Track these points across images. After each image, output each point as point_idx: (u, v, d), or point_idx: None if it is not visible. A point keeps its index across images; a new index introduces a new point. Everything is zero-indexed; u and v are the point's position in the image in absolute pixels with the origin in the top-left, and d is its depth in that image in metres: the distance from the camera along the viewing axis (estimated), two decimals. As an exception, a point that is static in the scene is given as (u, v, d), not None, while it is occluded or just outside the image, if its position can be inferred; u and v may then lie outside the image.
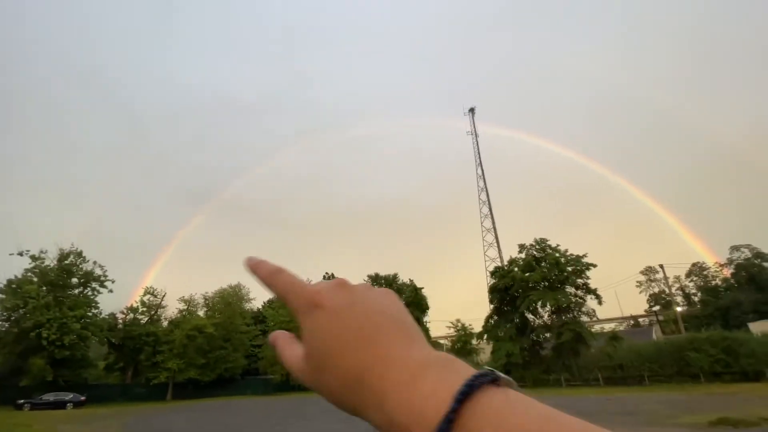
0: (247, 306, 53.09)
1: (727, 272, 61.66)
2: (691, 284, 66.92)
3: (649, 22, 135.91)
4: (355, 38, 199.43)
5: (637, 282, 71.39)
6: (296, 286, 0.43)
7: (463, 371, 0.31)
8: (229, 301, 48.53)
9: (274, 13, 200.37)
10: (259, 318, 54.04)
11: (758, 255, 58.02)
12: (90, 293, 41.00)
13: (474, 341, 45.36)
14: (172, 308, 48.97)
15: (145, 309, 46.48)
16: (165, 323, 47.08)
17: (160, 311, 47.99)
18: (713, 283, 63.73)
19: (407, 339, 0.37)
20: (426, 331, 46.17)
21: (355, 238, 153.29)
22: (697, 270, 65.79)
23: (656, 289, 69.34)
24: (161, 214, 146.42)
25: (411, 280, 49.02)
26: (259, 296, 67.52)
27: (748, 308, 51.70)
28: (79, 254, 40.92)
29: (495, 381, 0.30)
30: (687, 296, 67.46)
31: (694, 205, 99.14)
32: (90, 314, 39.61)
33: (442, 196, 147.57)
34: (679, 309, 57.19)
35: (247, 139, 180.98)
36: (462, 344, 46.14)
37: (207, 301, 49.29)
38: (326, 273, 57.05)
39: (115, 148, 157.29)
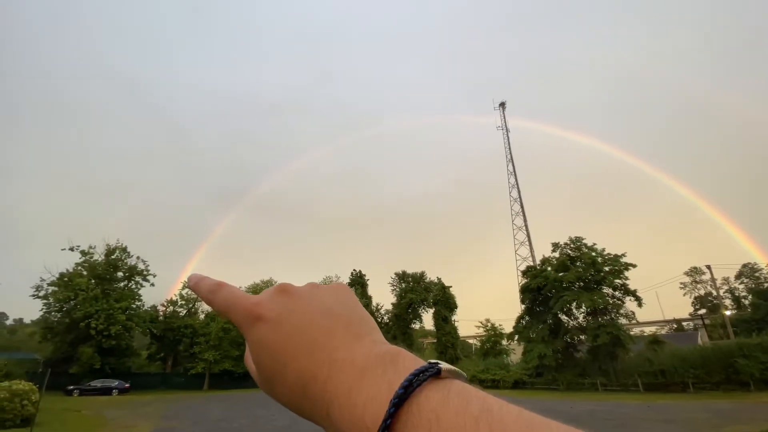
0: (278, 301, 54.56)
1: (782, 274, 57.08)
2: (741, 286, 62.48)
3: (675, 12, 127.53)
4: (381, 39, 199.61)
5: (681, 283, 67.42)
6: (235, 300, 0.42)
7: (404, 368, 0.31)
8: (260, 296, 50.04)
9: (300, 16, 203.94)
10: (289, 313, 55.40)
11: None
12: (134, 286, 43.42)
13: (504, 342, 44.42)
14: (208, 302, 51.09)
15: (183, 302, 48.71)
16: (202, 316, 49.15)
17: (197, 304, 50.16)
18: (766, 285, 59.15)
19: (352, 338, 0.36)
20: (454, 330, 45.68)
21: (383, 234, 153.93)
22: (748, 271, 61.31)
23: (702, 291, 65.36)
24: (199, 211, 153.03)
25: (439, 279, 48.61)
26: (289, 292, 69.29)
27: (807, 313, 47.66)
28: (124, 250, 43.38)
29: (437, 374, 0.30)
30: (736, 299, 63.01)
31: (744, 201, 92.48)
32: (134, 306, 41.94)
33: (471, 193, 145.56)
34: (727, 312, 53.51)
35: (277, 139, 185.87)
36: (492, 344, 45.30)
37: (240, 296, 51.02)
38: (354, 269, 57.63)
39: (155, 150, 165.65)
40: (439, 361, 0.31)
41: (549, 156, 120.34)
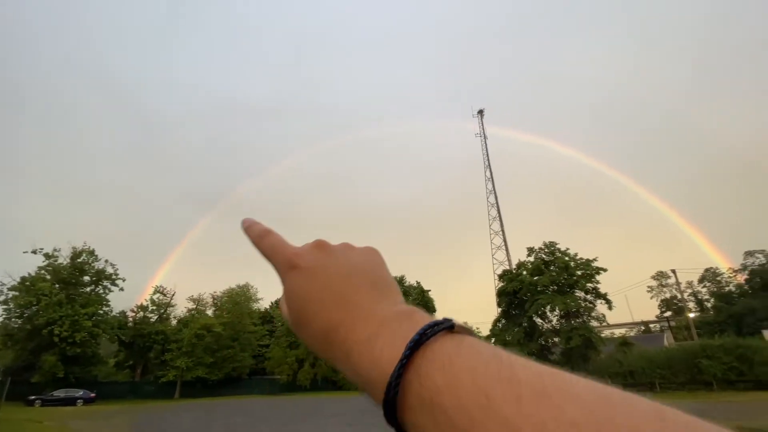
0: (255, 306, 53.45)
1: (741, 278, 60.31)
2: (704, 290, 65.60)
3: (657, 27, 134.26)
4: (363, 44, 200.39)
5: (649, 287, 70.25)
6: (278, 248, 0.46)
7: (421, 320, 0.34)
8: (237, 300, 48.90)
9: (284, 20, 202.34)
10: (266, 318, 54.38)
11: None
12: (101, 291, 41.65)
13: (481, 345, 45.11)
14: (181, 307, 49.59)
15: (154, 308, 47.05)
16: (174, 322, 47.60)
17: (169, 310, 48.58)
18: (727, 289, 62.36)
19: (377, 296, 0.39)
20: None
21: (363, 239, 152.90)
22: (710, 275, 64.50)
23: (668, 295, 68.22)
24: (173, 214, 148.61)
25: (418, 283, 48.91)
26: (267, 296, 67.65)
27: (763, 315, 50.48)
28: (91, 253, 41.59)
29: (450, 329, 0.32)
30: (699, 302, 66.14)
31: (707, 209, 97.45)
32: (101, 312, 40.20)
33: (450, 198, 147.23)
34: (691, 315, 56.08)
35: (258, 142, 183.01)
36: (469, 347, 45.91)
37: (215, 301, 49.75)
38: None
39: (128, 150, 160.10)
40: (452, 318, 0.33)
41: (525, 163, 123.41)
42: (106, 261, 42.42)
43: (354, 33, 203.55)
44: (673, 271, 54.34)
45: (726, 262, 63.29)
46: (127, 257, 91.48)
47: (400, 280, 50.91)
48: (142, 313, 46.13)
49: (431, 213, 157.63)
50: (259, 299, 54.61)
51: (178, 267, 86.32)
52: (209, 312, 48.57)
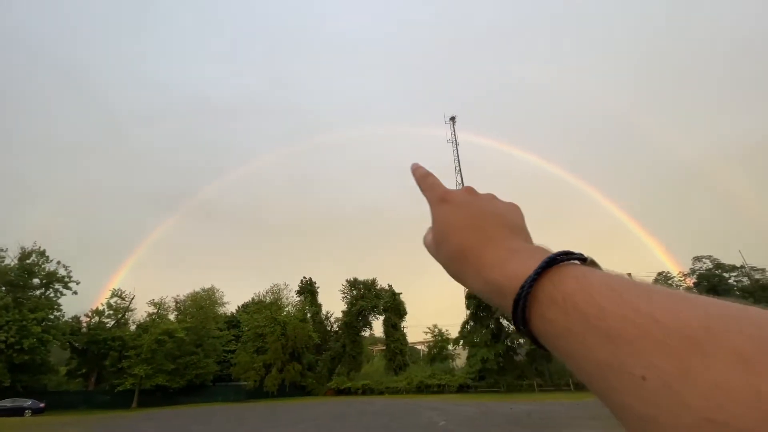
0: (221, 310, 51.83)
1: (690, 282, 64.57)
2: (657, 293, 69.53)
3: (622, 46, 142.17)
4: (339, 48, 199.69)
5: (607, 290, 73.56)
6: (434, 186, 0.57)
7: (553, 252, 0.39)
8: (201, 304, 47.21)
9: (259, 18, 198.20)
10: (232, 323, 52.80)
11: (718, 266, 61.09)
12: (52, 295, 39.08)
13: (450, 347, 45.68)
14: (141, 312, 47.37)
15: (111, 312, 44.63)
16: (133, 327, 45.32)
17: (128, 314, 46.20)
18: (677, 291, 66.38)
19: (510, 233, 0.46)
20: (403, 336, 46.21)
21: (334, 242, 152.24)
22: (662, 279, 68.45)
23: (624, 297, 71.72)
24: (134, 214, 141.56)
25: (390, 285, 48.99)
26: (233, 300, 65.77)
27: (709, 316, 54.05)
28: (42, 253, 38.97)
29: (584, 261, 0.38)
30: (653, 304, 69.96)
31: (660, 216, 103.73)
32: (52, 317, 37.72)
33: (422, 202, 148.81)
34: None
35: (226, 142, 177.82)
36: (438, 350, 46.38)
37: (178, 305, 47.81)
38: (304, 277, 56.40)
39: (88, 145, 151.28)
40: (584, 254, 0.38)
41: (494, 169, 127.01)
42: (59, 262, 39.92)
43: (330, 36, 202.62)
44: (629, 275, 57.17)
45: (677, 267, 67.57)
46: (82, 259, 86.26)
47: (372, 283, 50.86)
48: (97, 318, 43.61)
49: (402, 217, 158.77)
50: (225, 303, 53.03)
51: (138, 270, 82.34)
52: (171, 317, 46.60)
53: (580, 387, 29.50)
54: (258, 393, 43.42)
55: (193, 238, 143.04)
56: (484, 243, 0.45)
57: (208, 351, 45.13)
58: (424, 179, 0.60)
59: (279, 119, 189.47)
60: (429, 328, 48.64)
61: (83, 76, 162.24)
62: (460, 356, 43.19)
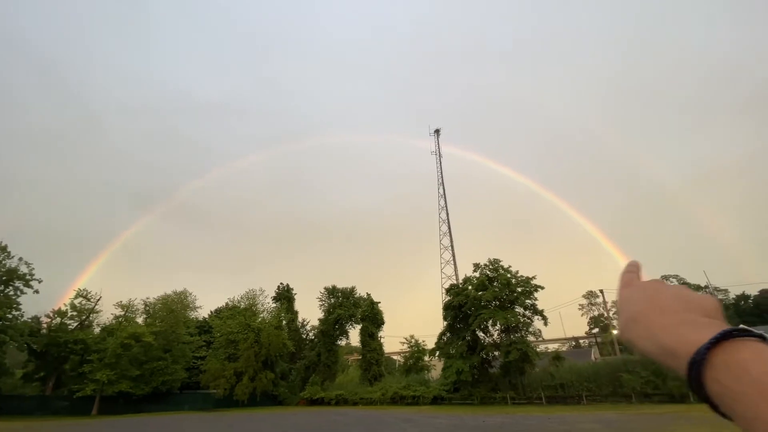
0: (193, 314, 50.19)
1: (658, 299, 66.87)
2: (627, 309, 71.78)
3: (599, 67, 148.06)
4: (330, 54, 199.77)
5: (580, 305, 75.61)
6: (625, 276, 0.68)
7: (729, 326, 0.44)
8: (172, 308, 45.61)
9: (250, 20, 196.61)
10: (204, 328, 51.21)
11: (684, 284, 63.35)
12: (12, 293, 37.00)
13: (426, 358, 45.56)
14: (107, 314, 45.37)
15: (75, 313, 42.58)
16: (97, 330, 43.34)
17: (92, 316, 44.16)
18: (646, 308, 68.75)
19: (690, 310, 0.52)
20: (380, 346, 45.88)
21: (314, 249, 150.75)
22: (632, 296, 70.73)
23: (596, 312, 73.78)
24: (105, 211, 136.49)
25: (368, 294, 48.64)
26: (206, 305, 63.92)
27: (675, 333, 56.18)
28: (3, 249, 36.96)
29: (764, 339, 0.41)
30: (623, 320, 72.09)
31: (632, 235, 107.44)
32: (9, 316, 35.65)
33: (404, 212, 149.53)
34: (615, 332, 60.96)
35: (208, 141, 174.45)
36: (414, 361, 46.18)
37: (147, 308, 46.04)
38: (281, 283, 55.44)
39: (59, 138, 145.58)
40: (764, 334, 0.43)
41: (476, 183, 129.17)
42: (20, 259, 37.93)
43: (318, 41, 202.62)
44: (601, 291, 58.92)
45: (646, 284, 69.64)
46: (46, 256, 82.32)
47: (351, 291, 50.43)
48: (59, 319, 41.51)
49: (384, 225, 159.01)
50: (198, 307, 51.39)
51: (107, 270, 79.11)
52: (140, 320, 44.82)
53: (551, 401, 29.85)
54: (227, 402, 42.05)
55: (167, 238, 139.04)
56: (659, 311, 0.53)
57: (177, 357, 43.51)
58: (624, 275, 0.69)
59: (263, 121, 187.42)
60: (406, 339, 48.52)
61: (58, 66, 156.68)
62: (436, 367, 43.10)
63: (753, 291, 55.02)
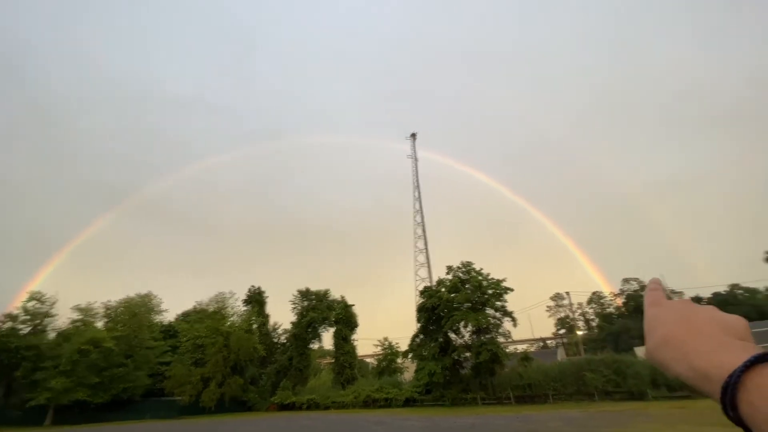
0: (158, 318, 48.26)
1: (620, 301, 70.27)
2: (591, 311, 74.95)
3: (573, 83, 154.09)
4: (306, 53, 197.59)
5: (547, 307, 78.07)
6: (652, 295, 0.68)
7: (762, 351, 0.44)
8: (135, 311, 43.66)
9: (229, 16, 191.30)
10: (170, 332, 49.25)
11: (644, 288, 66.88)
12: (-45, 296, 34.31)
13: (399, 360, 45.71)
14: (63, 318, 42.76)
15: (27, 317, 39.98)
16: (52, 335, 40.85)
17: (46, 320, 41.59)
18: (608, 310, 72.05)
19: (721, 331, 0.53)
20: (353, 349, 45.64)
21: (288, 251, 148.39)
22: (596, 298, 73.89)
23: (563, 314, 76.42)
24: (62, 208, 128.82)
25: (342, 297, 48.34)
26: (173, 307, 61.62)
27: (635, 334, 59.10)
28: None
29: None
30: (587, 321, 75.23)
31: (597, 240, 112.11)
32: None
33: (380, 214, 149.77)
34: (580, 333, 63.49)
35: (178, 137, 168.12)
36: (388, 363, 46.23)
37: (109, 311, 43.84)
38: (252, 286, 54.19)
39: (11, 131, 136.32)
40: None
41: (452, 187, 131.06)
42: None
43: (298, 41, 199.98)
44: (567, 294, 61.36)
45: (609, 287, 73.08)
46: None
47: (325, 294, 49.93)
48: (10, 324, 38.84)
49: (360, 228, 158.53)
50: (163, 311, 49.48)
51: (64, 271, 74.71)
52: (100, 324, 42.60)
53: (520, 400, 30.65)
54: (193, 409, 40.59)
55: (132, 238, 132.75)
56: (691, 334, 0.53)
57: (140, 363, 41.62)
58: (650, 293, 0.70)
59: (238, 119, 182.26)
60: (379, 341, 48.51)
61: (10, 53, 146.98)
62: (409, 369, 43.32)
63: (706, 293, 58.53)
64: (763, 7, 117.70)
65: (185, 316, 51.43)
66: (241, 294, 52.21)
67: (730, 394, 0.42)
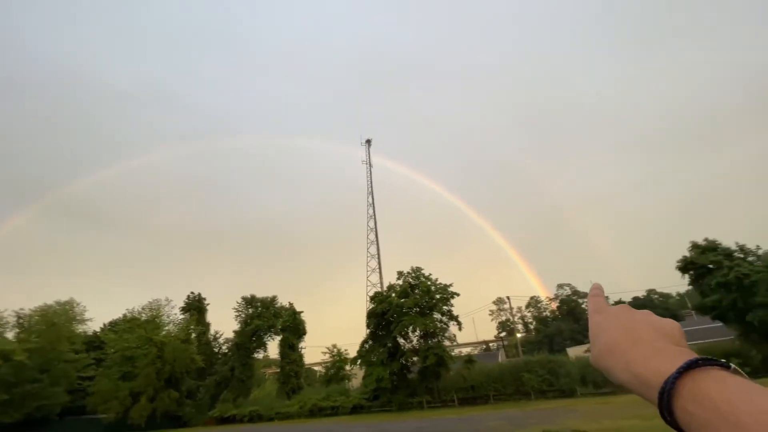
0: (80, 328, 43.68)
1: (554, 305, 75.52)
2: (529, 314, 79.74)
3: (519, 102, 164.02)
4: (258, 51, 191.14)
5: (490, 311, 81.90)
6: (595, 302, 0.70)
7: (698, 356, 0.47)
8: (53, 321, 39.19)
9: (173, 7, 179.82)
10: (94, 343, 44.77)
11: (576, 292, 72.62)
12: None
13: (348, 367, 45.26)
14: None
15: None
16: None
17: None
18: (544, 314, 77.11)
19: (659, 337, 0.55)
20: (300, 358, 44.44)
21: (233, 256, 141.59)
22: (533, 302, 78.75)
23: (504, 318, 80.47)
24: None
25: (291, 304, 46.91)
26: (98, 316, 56.49)
27: (567, 336, 63.81)
28: None
29: (728, 368, 0.45)
30: (526, 324, 79.87)
31: (534, 247, 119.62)
32: None
33: (332, 219, 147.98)
34: (519, 335, 67.19)
35: (112, 130, 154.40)
36: (336, 371, 45.59)
37: (21, 320, 38.95)
38: (191, 292, 50.98)
39: None
40: (730, 363, 0.46)
41: (402, 193, 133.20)
42: None
43: (252, 39, 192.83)
44: (508, 298, 64.73)
45: (545, 292, 78.22)
46: None
47: (272, 301, 48.24)
48: None
49: (309, 233, 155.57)
50: (87, 320, 44.87)
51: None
52: (10, 335, 37.71)
53: (464, 402, 31.66)
54: (120, 427, 37.15)
55: (53, 239, 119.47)
56: (632, 342, 0.55)
57: (57, 377, 37.34)
58: (592, 299, 0.72)
59: (182, 115, 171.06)
60: (328, 348, 47.72)
61: None
62: (357, 376, 43.04)
63: (627, 298, 64.62)
64: (683, 47, 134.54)
65: (113, 326, 47.06)
66: (179, 301, 48.94)
67: (666, 401, 0.44)
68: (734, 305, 25.00)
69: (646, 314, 0.62)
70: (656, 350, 0.52)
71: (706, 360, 0.45)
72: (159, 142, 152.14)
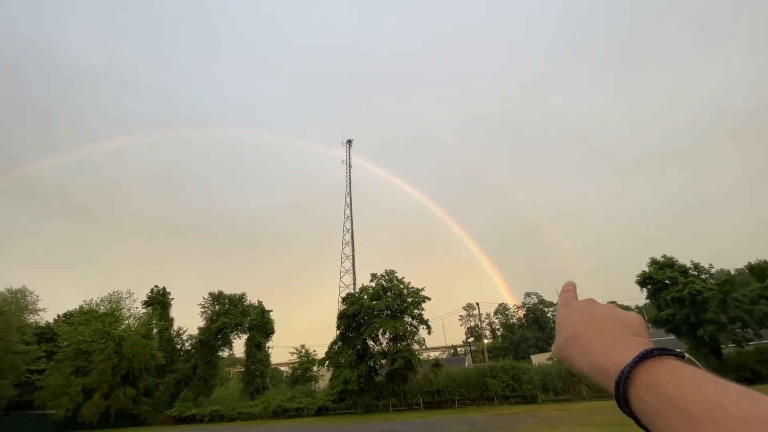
0: (32, 318, 41.31)
1: (521, 313, 77.61)
2: (497, 321, 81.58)
3: (487, 111, 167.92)
4: (238, 42, 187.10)
5: (460, 316, 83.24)
6: (564, 295, 0.74)
7: (654, 346, 0.50)
8: (2, 309, 36.83)
9: None
10: (46, 335, 42.40)
11: (542, 301, 74.95)
12: None
13: (315, 368, 44.76)
14: None
15: None
16: None
17: None
18: (511, 321, 79.10)
19: (620, 329, 0.57)
20: (266, 357, 43.63)
21: (199, 250, 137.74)
22: (502, 309, 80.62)
23: (473, 323, 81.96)
24: None
25: (260, 302, 45.95)
26: (53, 307, 53.76)
27: (532, 343, 65.69)
28: None
29: (681, 357, 0.48)
30: (493, 330, 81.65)
31: (505, 256, 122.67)
32: None
33: (307, 217, 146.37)
34: (486, 341, 68.53)
35: (73, 112, 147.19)
36: (303, 371, 45.00)
37: (-36, 309, 36.36)
38: (155, 286, 49.14)
39: None
40: (685, 353, 0.49)
41: (381, 197, 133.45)
42: None
43: (234, 29, 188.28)
44: (477, 304, 65.88)
45: (513, 300, 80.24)
46: None
47: (240, 298, 47.15)
48: None
49: (281, 231, 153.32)
50: (40, 310, 42.50)
51: None
52: (-50, 324, 35.09)
53: (429, 406, 31.96)
54: (70, 424, 35.22)
55: (7, 223, 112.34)
56: (595, 332, 0.57)
57: (4, 370, 35.07)
58: (563, 294, 0.75)
59: (148, 99, 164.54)
60: (296, 349, 47.04)
61: None
62: (324, 378, 42.66)
63: (589, 308, 67.15)
64: (656, 67, 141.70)
65: (68, 317, 44.69)
66: (142, 295, 47.07)
67: (622, 390, 0.46)
68: (687, 320, 26.42)
69: (611, 308, 0.64)
70: (616, 341, 0.54)
71: (661, 350, 0.47)
72: (124, 127, 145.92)
